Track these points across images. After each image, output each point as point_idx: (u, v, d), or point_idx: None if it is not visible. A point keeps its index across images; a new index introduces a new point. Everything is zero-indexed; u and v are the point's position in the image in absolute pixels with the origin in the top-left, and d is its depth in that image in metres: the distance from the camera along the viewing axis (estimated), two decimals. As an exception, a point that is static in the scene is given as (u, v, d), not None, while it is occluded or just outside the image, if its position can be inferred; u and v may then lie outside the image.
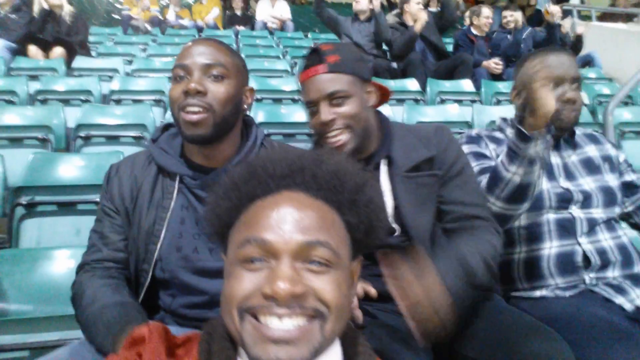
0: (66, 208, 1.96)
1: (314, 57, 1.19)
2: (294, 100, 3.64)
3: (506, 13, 5.08)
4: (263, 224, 0.62)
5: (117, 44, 5.76)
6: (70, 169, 2.29)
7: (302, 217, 0.62)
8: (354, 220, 0.67)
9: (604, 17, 7.39)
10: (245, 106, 1.16)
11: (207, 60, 1.07)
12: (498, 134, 1.48)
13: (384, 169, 1.20)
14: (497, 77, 4.49)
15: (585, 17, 7.34)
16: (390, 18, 4.64)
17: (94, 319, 0.97)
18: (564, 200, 1.35)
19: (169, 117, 3.09)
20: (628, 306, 1.20)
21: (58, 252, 1.59)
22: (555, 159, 1.43)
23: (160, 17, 7.07)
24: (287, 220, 0.62)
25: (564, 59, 1.36)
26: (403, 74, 4.38)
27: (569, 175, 1.40)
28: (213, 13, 7.30)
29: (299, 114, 3.28)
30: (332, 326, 0.60)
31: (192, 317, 1.06)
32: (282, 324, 0.58)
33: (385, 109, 3.28)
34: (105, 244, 1.12)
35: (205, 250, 1.08)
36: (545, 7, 4.99)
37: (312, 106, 1.17)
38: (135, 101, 3.48)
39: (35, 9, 4.40)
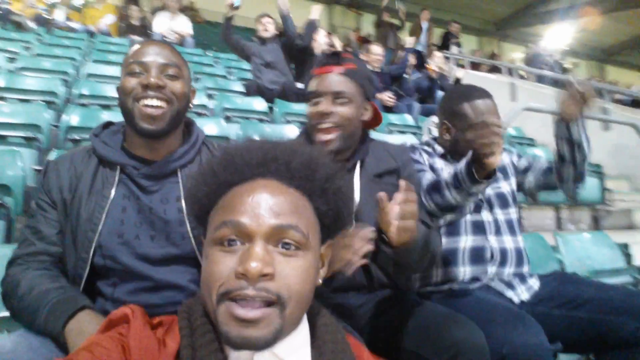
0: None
1: (335, 58, 1.34)
2: (199, 114, 3.65)
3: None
4: (239, 209, 0.67)
5: (-5, 39, 5.25)
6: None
7: (275, 203, 0.67)
8: (323, 207, 0.73)
9: (475, 66, 8.48)
10: (191, 105, 1.24)
11: (164, 60, 1.14)
12: (427, 148, 1.70)
13: (357, 170, 1.35)
14: (388, 109, 4.95)
15: (460, 65, 8.34)
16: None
17: (36, 303, 0.96)
18: (476, 204, 1.60)
19: (65, 120, 2.93)
20: (516, 299, 1.48)
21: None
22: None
23: (47, 16, 6.59)
24: (261, 205, 0.66)
25: (489, 103, 1.58)
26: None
27: None
28: (107, 19, 6.96)
29: (205, 127, 3.29)
30: (292, 311, 0.65)
31: (137, 303, 1.07)
32: (248, 312, 0.62)
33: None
34: (39, 238, 1.10)
35: (147, 238, 1.11)
36: (429, 65, 5.66)
37: (316, 97, 1.30)
38: (22, 101, 3.23)
39: None
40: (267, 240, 0.65)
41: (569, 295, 1.44)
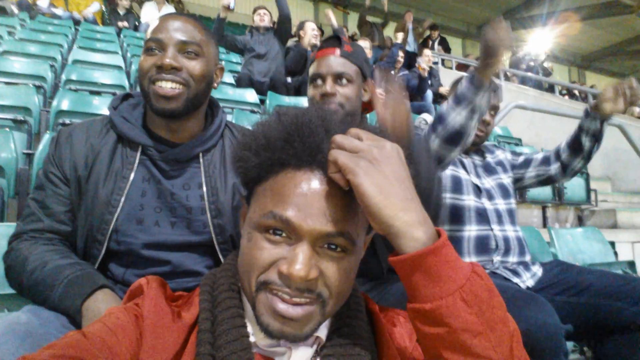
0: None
1: (333, 41, 1.34)
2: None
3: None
4: (290, 202, 0.62)
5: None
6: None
7: (329, 206, 0.62)
8: None
9: (461, 67, 8.57)
10: (216, 84, 1.17)
11: (183, 37, 1.06)
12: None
13: None
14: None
15: (447, 67, 8.43)
16: (290, 44, 4.87)
17: (50, 279, 0.92)
18: (477, 191, 1.65)
19: (55, 104, 2.86)
20: (522, 285, 1.50)
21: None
22: (468, 161, 1.75)
23: (29, 1, 6.42)
24: (314, 205, 0.62)
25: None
26: (297, 91, 4.59)
27: (477, 174, 1.73)
28: (93, 7, 6.82)
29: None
30: (332, 308, 0.64)
31: None
32: (289, 308, 0.61)
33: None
34: (48, 215, 1.05)
35: (167, 225, 1.06)
36: (419, 63, 5.69)
37: (318, 78, 1.31)
38: (9, 84, 3.13)
39: None
40: (315, 243, 0.62)
41: (570, 282, 1.46)
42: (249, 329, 0.66)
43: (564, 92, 9.78)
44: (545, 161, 1.78)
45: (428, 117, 4.52)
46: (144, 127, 1.12)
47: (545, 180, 1.81)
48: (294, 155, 0.64)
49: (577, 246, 2.49)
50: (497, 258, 1.57)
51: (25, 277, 0.96)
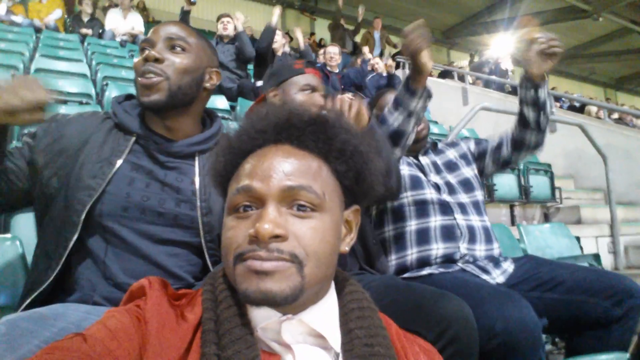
0: None
1: (312, 63, 1.58)
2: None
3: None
4: (250, 174, 0.67)
5: None
6: None
7: (286, 165, 0.66)
8: (341, 168, 0.71)
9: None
10: (209, 85, 1.20)
11: (169, 34, 1.13)
12: None
13: None
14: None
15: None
16: None
17: None
18: (437, 189, 1.68)
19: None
20: (492, 282, 1.50)
21: None
22: (424, 160, 1.80)
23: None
24: (272, 168, 0.66)
25: None
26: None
27: (437, 171, 1.77)
28: (55, 14, 6.65)
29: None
30: (311, 271, 0.63)
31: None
32: (263, 263, 0.61)
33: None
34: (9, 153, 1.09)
35: (154, 215, 1.06)
36: (385, 62, 5.81)
37: (309, 89, 1.49)
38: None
39: None
40: (280, 202, 0.64)
41: (543, 278, 1.48)
42: (254, 325, 0.65)
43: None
44: (499, 147, 1.83)
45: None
46: (142, 123, 1.14)
47: (504, 164, 1.86)
48: (248, 140, 0.71)
49: (545, 241, 2.57)
50: (463, 245, 1.59)
51: None
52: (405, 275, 1.60)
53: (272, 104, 0.76)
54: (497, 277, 1.54)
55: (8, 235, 1.43)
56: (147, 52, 1.10)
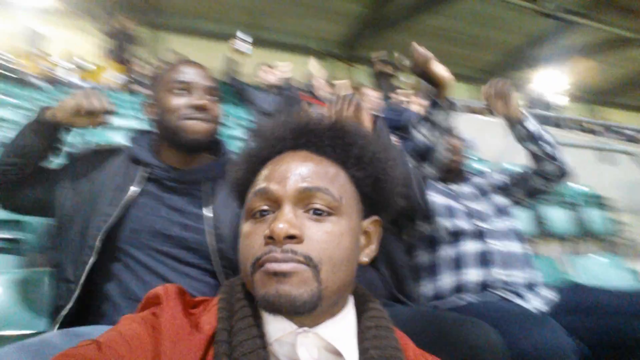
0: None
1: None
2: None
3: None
4: (267, 177, 0.67)
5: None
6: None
7: (303, 168, 0.66)
8: (359, 175, 0.70)
9: (469, 110, 8.73)
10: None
11: (207, 83, 1.25)
12: None
13: None
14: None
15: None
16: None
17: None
18: (470, 216, 1.69)
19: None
20: (529, 307, 1.45)
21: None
22: (457, 188, 1.84)
23: (53, 74, 6.88)
24: (289, 170, 0.66)
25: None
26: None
27: (470, 199, 1.79)
28: (114, 76, 7.24)
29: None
30: (327, 276, 0.62)
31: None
32: (280, 264, 0.60)
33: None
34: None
35: (163, 237, 1.14)
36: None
37: None
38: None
39: None
40: (296, 204, 0.64)
41: (585, 303, 1.43)
42: (269, 338, 0.64)
43: (578, 126, 9.77)
44: (528, 176, 1.83)
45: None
46: (152, 154, 1.26)
47: (536, 193, 1.84)
48: (266, 148, 0.72)
49: (599, 275, 2.45)
50: (498, 271, 1.57)
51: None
52: (439, 302, 1.59)
53: (290, 112, 0.77)
54: (534, 302, 1.50)
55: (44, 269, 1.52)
56: (185, 95, 1.21)
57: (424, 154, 1.61)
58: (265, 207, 0.66)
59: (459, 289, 1.58)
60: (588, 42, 11.82)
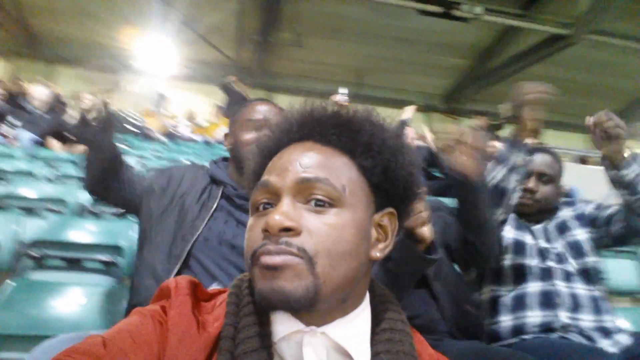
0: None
1: None
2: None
3: None
4: (269, 170, 0.66)
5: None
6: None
7: (303, 158, 0.64)
8: (368, 164, 0.66)
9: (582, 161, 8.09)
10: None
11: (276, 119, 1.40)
12: None
13: None
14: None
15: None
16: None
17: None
18: (541, 255, 1.56)
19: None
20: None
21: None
22: (537, 228, 1.68)
23: (172, 130, 7.69)
24: (289, 161, 0.64)
25: (547, 157, 1.71)
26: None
27: (547, 236, 1.65)
28: (224, 130, 7.87)
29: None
30: (324, 270, 0.58)
31: None
32: (272, 257, 0.58)
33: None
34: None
35: (228, 246, 1.26)
36: None
37: None
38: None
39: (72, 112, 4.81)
40: (295, 196, 0.62)
41: None
42: (275, 337, 0.62)
43: None
44: (612, 219, 1.61)
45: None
46: (228, 176, 1.43)
47: (619, 239, 1.61)
48: (274, 141, 0.71)
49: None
50: (564, 314, 1.42)
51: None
52: (498, 344, 1.47)
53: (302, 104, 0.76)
54: (605, 345, 1.34)
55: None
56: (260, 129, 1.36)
57: (495, 195, 1.49)
58: (267, 200, 0.64)
59: (519, 331, 1.46)
60: None
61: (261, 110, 1.42)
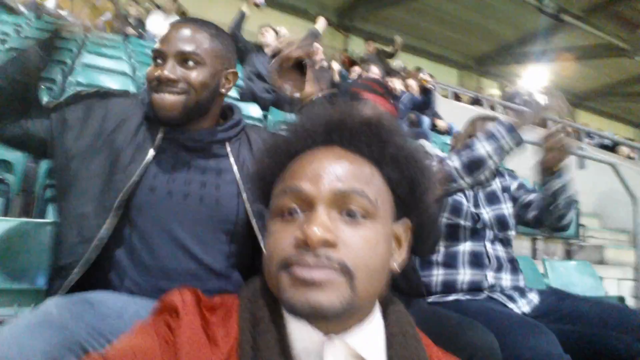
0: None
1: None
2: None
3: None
4: (299, 175, 0.63)
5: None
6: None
7: (337, 167, 0.62)
8: (395, 176, 0.66)
9: (457, 98, 8.76)
10: (224, 90, 1.21)
11: (183, 48, 1.10)
12: None
13: None
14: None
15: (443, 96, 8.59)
16: None
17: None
18: (473, 219, 1.69)
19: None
20: (517, 311, 1.52)
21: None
22: (469, 193, 1.78)
23: (37, 1, 6.48)
24: (322, 169, 0.62)
25: None
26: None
27: (477, 203, 1.77)
28: (105, 15, 6.87)
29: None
30: (362, 285, 0.58)
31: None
32: (312, 271, 0.56)
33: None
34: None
35: (179, 196, 1.09)
36: (421, 77, 5.79)
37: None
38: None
39: None
40: (330, 206, 0.60)
41: (566, 310, 1.49)
42: (295, 351, 0.61)
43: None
44: (527, 206, 1.83)
45: (426, 144, 4.58)
46: None
47: (526, 224, 1.87)
48: (297, 142, 0.67)
49: (570, 278, 2.55)
50: (490, 273, 1.61)
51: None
52: (431, 299, 1.61)
53: (324, 104, 0.75)
54: (522, 306, 1.55)
55: (47, 220, 1.50)
56: (159, 68, 1.10)
57: (472, 166, 1.51)
58: (295, 206, 0.62)
59: (449, 286, 1.61)
60: (579, 45, 11.95)
61: (167, 38, 1.12)
